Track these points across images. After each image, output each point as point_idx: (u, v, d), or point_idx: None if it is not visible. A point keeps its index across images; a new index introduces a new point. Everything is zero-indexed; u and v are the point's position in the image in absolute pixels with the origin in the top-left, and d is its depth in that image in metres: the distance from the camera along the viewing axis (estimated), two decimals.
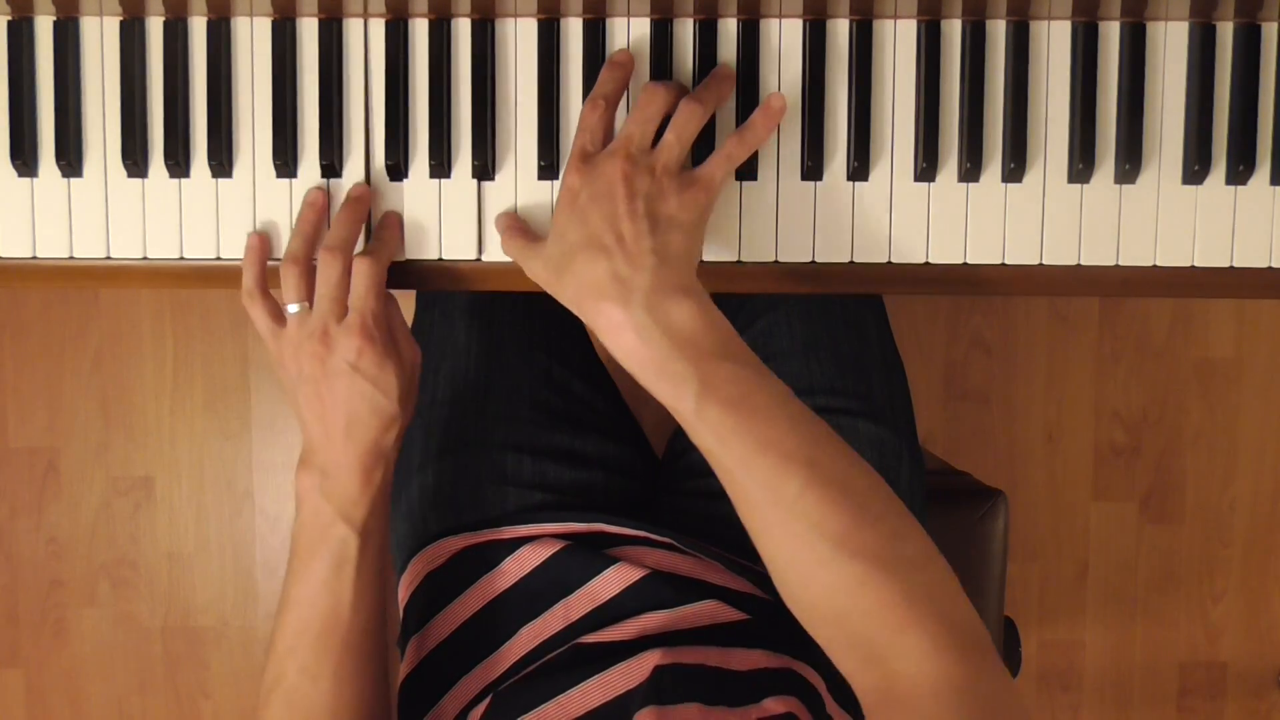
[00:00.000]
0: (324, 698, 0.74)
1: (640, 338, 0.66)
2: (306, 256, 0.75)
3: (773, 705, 0.70)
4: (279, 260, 0.76)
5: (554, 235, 0.71)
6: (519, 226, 0.76)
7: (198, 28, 0.77)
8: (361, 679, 0.75)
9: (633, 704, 0.71)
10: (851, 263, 0.77)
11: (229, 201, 0.77)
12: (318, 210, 0.76)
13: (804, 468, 0.64)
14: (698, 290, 0.68)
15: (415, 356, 0.77)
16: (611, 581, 0.82)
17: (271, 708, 0.74)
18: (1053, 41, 0.77)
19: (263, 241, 0.76)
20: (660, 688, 0.71)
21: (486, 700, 0.78)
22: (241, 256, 0.77)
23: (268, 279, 0.76)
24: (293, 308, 0.74)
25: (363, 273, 0.73)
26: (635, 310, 0.66)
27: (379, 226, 0.77)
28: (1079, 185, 0.78)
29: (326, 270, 0.73)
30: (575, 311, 0.70)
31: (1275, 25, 0.77)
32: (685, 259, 0.69)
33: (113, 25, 0.77)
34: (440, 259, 0.78)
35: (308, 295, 0.74)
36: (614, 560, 0.83)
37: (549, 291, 0.73)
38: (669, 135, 0.71)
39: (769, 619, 0.83)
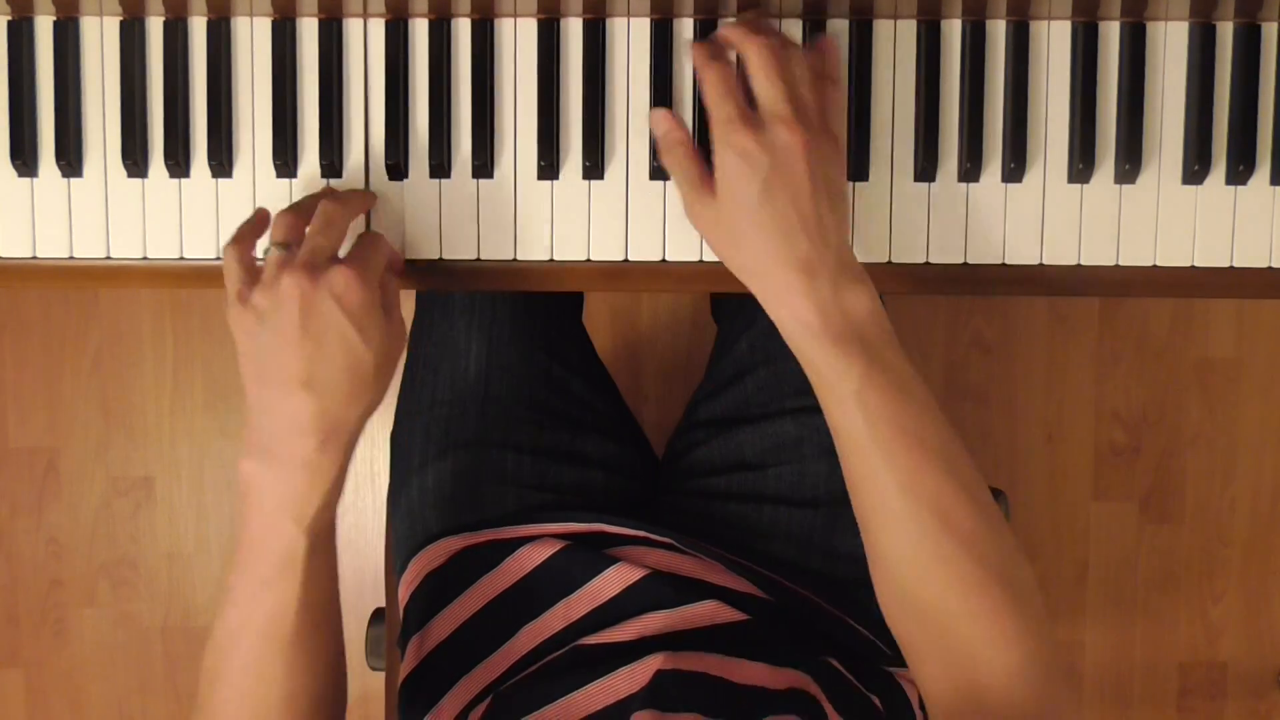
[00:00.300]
0: (274, 691, 0.70)
1: (819, 311, 0.66)
2: (307, 211, 0.70)
3: None
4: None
5: (731, 196, 0.68)
6: (695, 152, 0.72)
7: (198, 28, 0.77)
8: (310, 670, 0.71)
9: (633, 707, 0.71)
10: None
11: (229, 201, 0.77)
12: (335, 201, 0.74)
13: (944, 466, 0.65)
14: (868, 280, 0.69)
15: (402, 337, 0.72)
16: (612, 581, 0.82)
17: (217, 699, 0.70)
18: (1053, 41, 0.77)
19: (266, 215, 0.73)
20: (660, 693, 0.71)
21: (487, 701, 0.78)
22: None
23: (254, 240, 0.73)
24: (275, 251, 0.68)
25: (366, 237, 0.72)
26: (822, 286, 0.67)
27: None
28: (1079, 185, 0.78)
29: (326, 212, 0.69)
30: (739, 274, 0.70)
31: (1275, 25, 0.77)
32: (848, 233, 0.70)
33: (113, 25, 0.77)
34: (440, 259, 0.78)
35: (296, 240, 0.69)
36: (614, 560, 0.83)
37: (707, 239, 0.71)
38: (806, 94, 0.69)
39: (769, 619, 0.83)
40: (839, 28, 0.77)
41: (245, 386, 0.68)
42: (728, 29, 0.72)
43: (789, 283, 0.67)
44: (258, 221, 0.73)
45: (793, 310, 0.67)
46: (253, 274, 0.69)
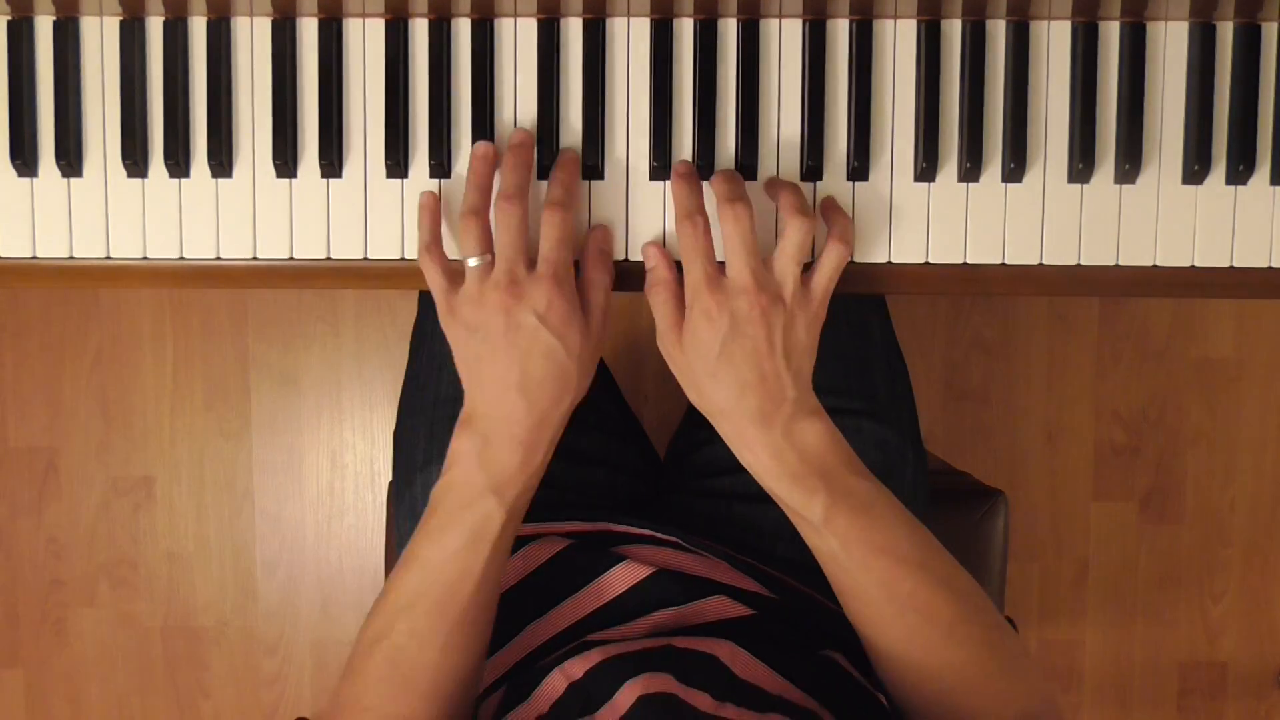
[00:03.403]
0: (429, 665, 0.72)
1: (774, 456, 0.71)
2: (485, 208, 0.73)
3: None
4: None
5: (694, 349, 0.72)
6: (675, 295, 0.74)
7: (198, 28, 0.77)
8: (467, 651, 0.74)
9: (639, 666, 0.71)
10: (852, 262, 0.77)
11: (229, 201, 0.77)
12: (489, 162, 0.75)
13: (918, 569, 0.71)
14: (822, 411, 0.73)
15: (603, 333, 0.74)
16: (618, 579, 0.82)
17: (373, 660, 0.73)
18: (1053, 41, 0.77)
19: (435, 200, 0.76)
20: (670, 659, 0.72)
21: (499, 692, 0.78)
22: (237, 256, 0.77)
23: (440, 238, 0.75)
24: (473, 261, 0.72)
25: (553, 223, 0.72)
26: (773, 434, 0.71)
27: (554, 175, 0.75)
28: (1079, 185, 0.78)
29: (506, 219, 0.71)
30: (703, 412, 0.74)
31: (1275, 25, 0.77)
32: (809, 377, 0.73)
33: (113, 25, 0.77)
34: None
35: (489, 248, 0.72)
36: (620, 558, 0.83)
37: (677, 377, 0.74)
38: (785, 260, 0.71)
39: (775, 616, 0.83)
40: (839, 28, 0.77)
41: (463, 382, 0.74)
42: (719, 183, 0.73)
43: (744, 432, 0.72)
44: (431, 213, 0.75)
45: (752, 455, 0.72)
46: (454, 280, 0.73)
